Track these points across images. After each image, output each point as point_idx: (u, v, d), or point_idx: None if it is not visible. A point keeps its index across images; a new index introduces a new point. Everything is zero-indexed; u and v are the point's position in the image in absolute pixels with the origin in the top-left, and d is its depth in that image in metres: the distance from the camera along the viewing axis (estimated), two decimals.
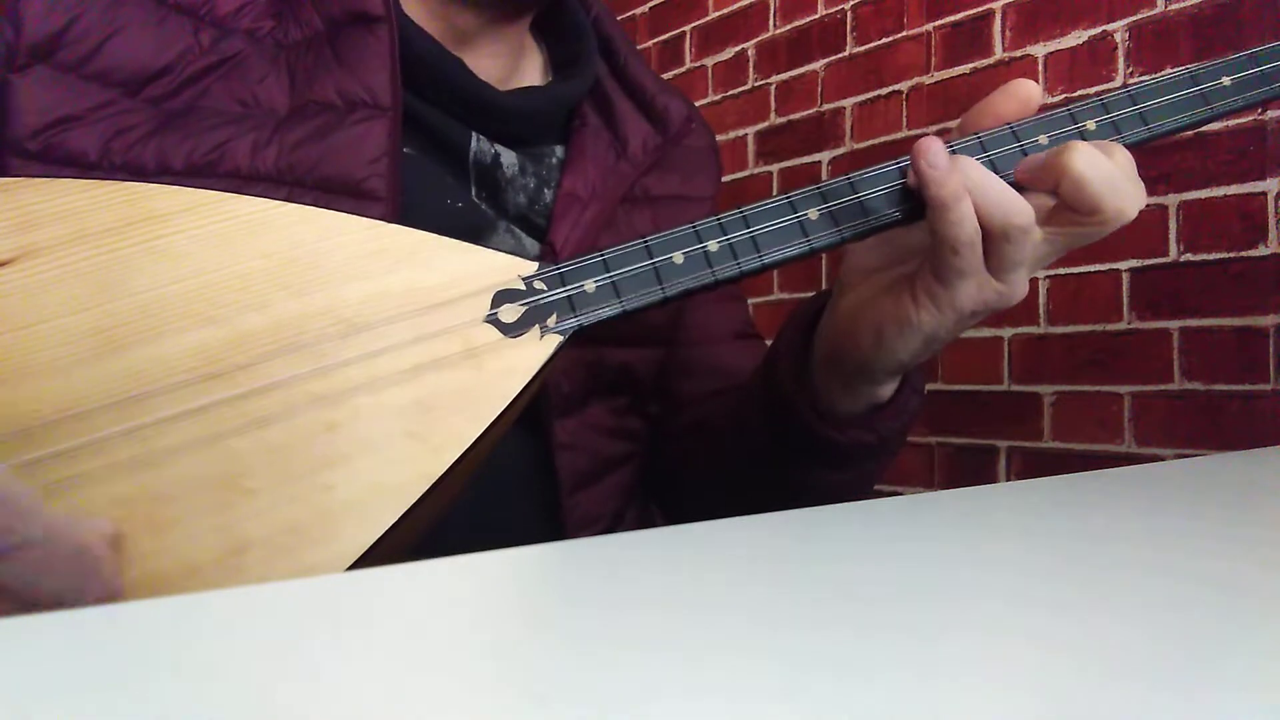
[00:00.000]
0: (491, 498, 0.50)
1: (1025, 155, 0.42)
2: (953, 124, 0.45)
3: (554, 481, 0.52)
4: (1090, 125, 0.43)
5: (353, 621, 0.19)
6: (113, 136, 0.43)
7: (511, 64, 0.57)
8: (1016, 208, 0.39)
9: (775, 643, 0.17)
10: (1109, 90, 0.43)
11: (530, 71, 0.59)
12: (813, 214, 0.41)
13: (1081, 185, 0.39)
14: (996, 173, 0.41)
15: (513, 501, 0.52)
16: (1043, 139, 0.42)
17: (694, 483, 0.62)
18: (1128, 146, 0.42)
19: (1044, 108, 0.44)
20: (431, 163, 0.52)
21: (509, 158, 0.54)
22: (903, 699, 0.14)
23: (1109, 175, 0.39)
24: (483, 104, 0.52)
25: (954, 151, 0.41)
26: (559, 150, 0.57)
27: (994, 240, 0.40)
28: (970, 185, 0.39)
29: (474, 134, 0.53)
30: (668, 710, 0.13)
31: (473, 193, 0.53)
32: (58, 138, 0.43)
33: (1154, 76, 0.44)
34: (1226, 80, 0.44)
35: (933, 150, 0.39)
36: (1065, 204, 0.40)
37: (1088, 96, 0.47)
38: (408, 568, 0.23)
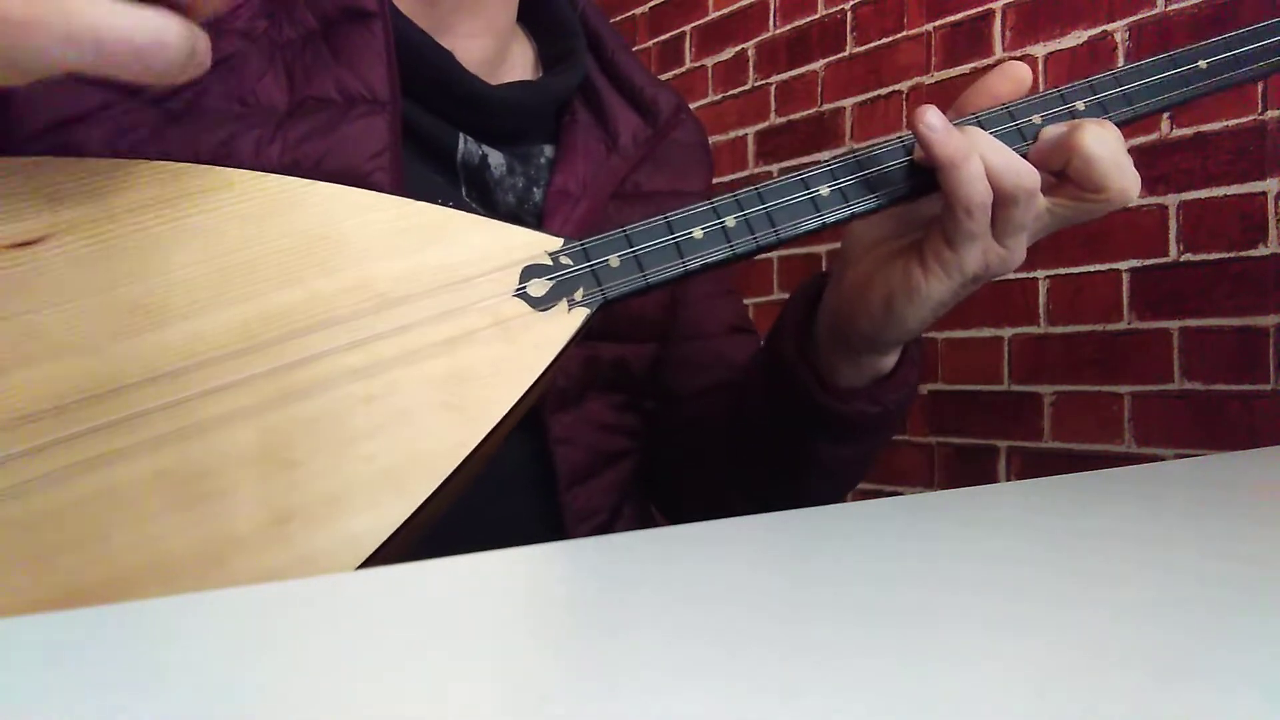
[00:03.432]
0: (490, 492, 0.50)
1: (1021, 133, 0.44)
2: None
3: (552, 476, 0.52)
4: (1079, 105, 0.45)
5: (354, 621, 0.19)
6: (117, 136, 0.44)
7: (497, 49, 0.57)
8: (1025, 171, 0.41)
9: (775, 643, 0.17)
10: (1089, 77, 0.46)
11: (519, 66, 0.60)
12: (824, 190, 0.43)
13: (1091, 164, 0.41)
14: None
15: (511, 496, 0.52)
16: (1036, 118, 0.44)
17: (693, 478, 0.62)
18: (1117, 125, 0.45)
19: None
20: (422, 164, 0.52)
21: (496, 158, 0.54)
22: (903, 698, 0.14)
23: (1116, 155, 0.42)
24: (473, 98, 0.53)
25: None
26: (548, 150, 0.57)
27: (1002, 204, 0.42)
28: (980, 149, 0.41)
29: (461, 135, 0.53)
30: (668, 710, 0.13)
31: (463, 193, 0.53)
32: (62, 138, 0.43)
33: (1139, 62, 0.47)
34: (1203, 64, 0.46)
35: (928, 113, 0.41)
36: (1073, 181, 0.42)
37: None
38: (408, 568, 0.23)
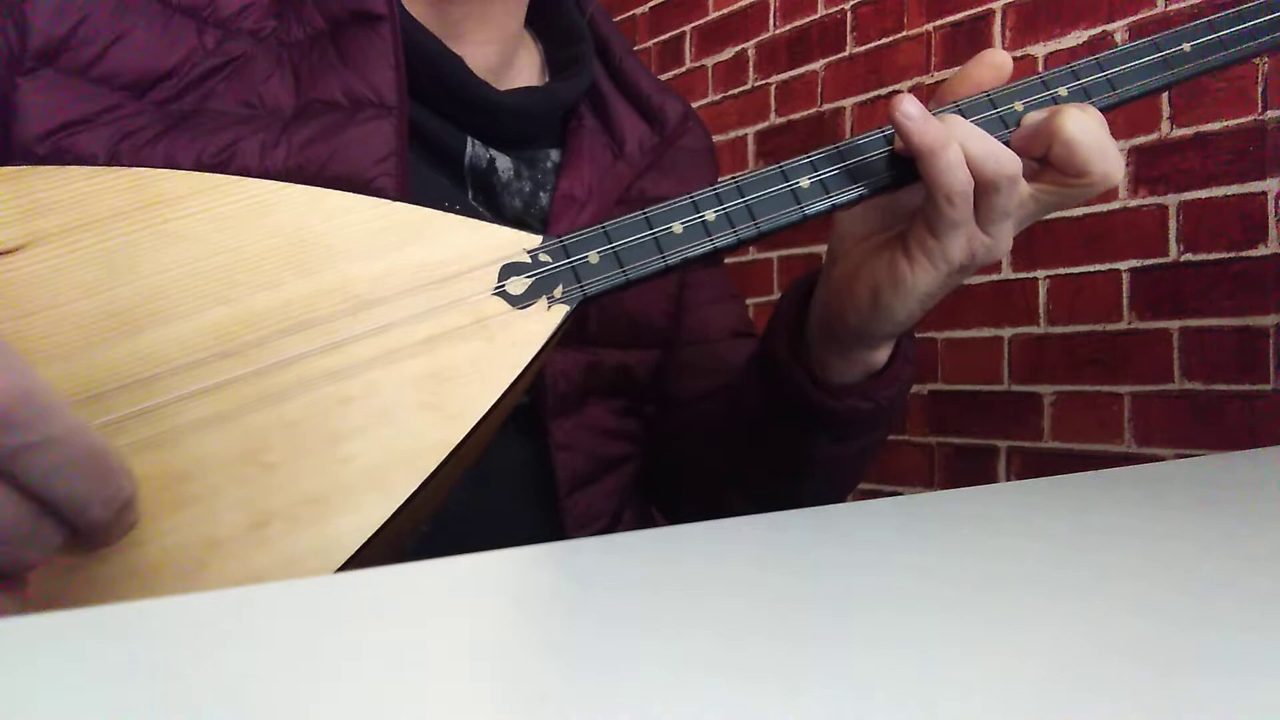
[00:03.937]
0: (490, 498, 0.50)
1: (1002, 120, 0.44)
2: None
3: (552, 482, 0.52)
4: (1062, 91, 0.45)
5: (352, 621, 0.19)
6: (120, 139, 0.43)
7: (505, 55, 0.57)
8: (1006, 157, 0.41)
9: (775, 643, 0.17)
10: (1072, 64, 0.46)
11: (527, 71, 0.59)
12: (804, 182, 0.43)
13: (1073, 149, 0.41)
14: None
15: (511, 502, 0.52)
16: (1018, 105, 0.44)
17: (693, 481, 0.62)
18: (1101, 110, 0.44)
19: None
20: (428, 167, 0.52)
21: (504, 162, 0.54)
22: (902, 699, 0.14)
23: (1099, 139, 0.42)
24: (481, 103, 0.52)
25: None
26: (554, 154, 0.57)
27: (984, 191, 0.41)
28: (959, 137, 0.41)
29: (469, 139, 0.53)
30: (667, 710, 0.13)
31: (469, 196, 0.53)
32: (66, 141, 0.43)
33: (1121, 46, 0.46)
34: (1186, 46, 0.46)
35: (905, 101, 0.41)
36: (1056, 166, 0.42)
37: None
38: (407, 568, 0.23)
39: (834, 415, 0.50)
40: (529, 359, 0.37)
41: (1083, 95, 0.45)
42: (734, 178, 0.43)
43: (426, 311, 0.37)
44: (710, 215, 0.42)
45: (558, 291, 0.39)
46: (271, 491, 0.33)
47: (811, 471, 0.55)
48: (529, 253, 0.39)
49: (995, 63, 0.45)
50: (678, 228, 0.41)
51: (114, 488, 0.29)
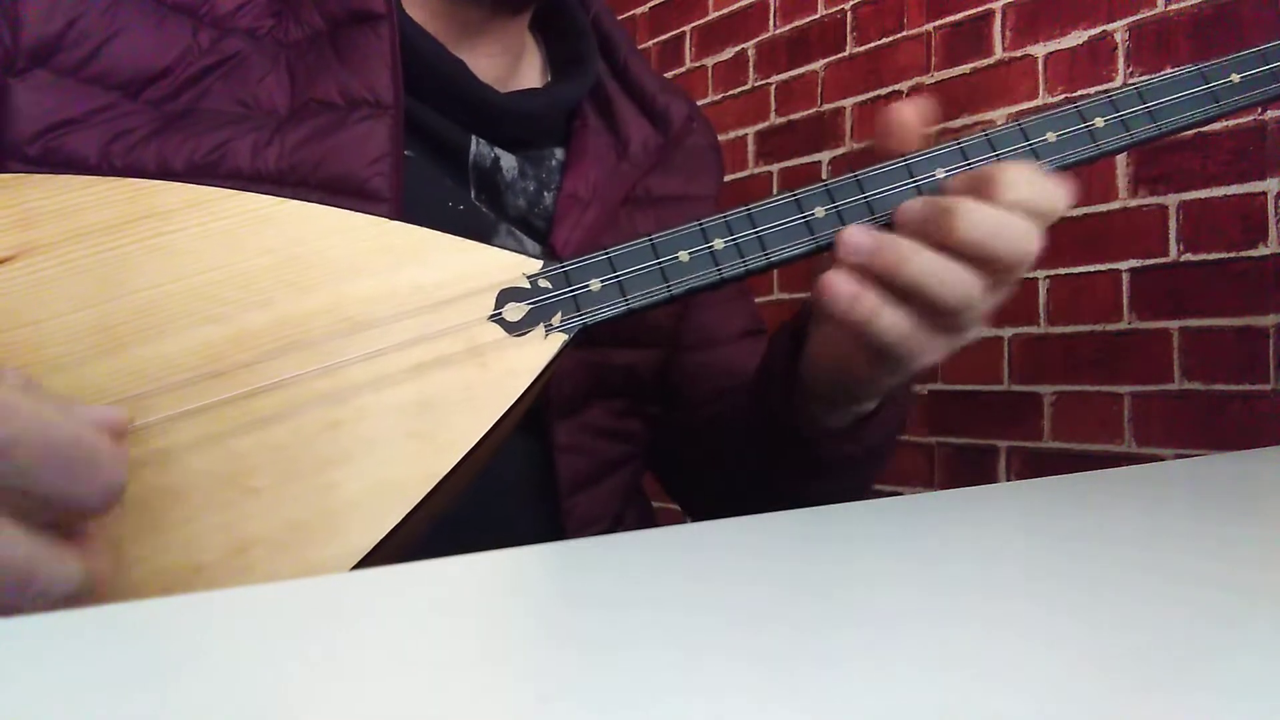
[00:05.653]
0: (491, 500, 0.50)
1: (1035, 153, 0.42)
2: (954, 124, 0.45)
3: (554, 484, 0.52)
4: (1099, 123, 0.42)
5: (353, 621, 0.19)
6: (112, 139, 0.43)
7: (511, 64, 0.57)
8: (955, 282, 0.38)
9: (775, 643, 0.17)
10: (1109, 90, 0.43)
11: (529, 72, 0.59)
12: (819, 212, 0.41)
13: (977, 248, 0.38)
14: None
15: (512, 504, 0.52)
16: (1051, 136, 0.42)
17: (712, 478, 0.62)
18: (1137, 144, 0.43)
19: (1044, 108, 0.44)
20: (431, 166, 0.51)
21: (508, 161, 0.54)
22: (903, 699, 0.14)
23: (997, 226, 0.38)
24: (483, 106, 0.52)
25: (963, 149, 0.41)
26: (559, 153, 0.57)
27: (937, 315, 0.39)
28: (898, 276, 0.38)
29: (473, 137, 0.53)
30: (668, 710, 0.13)
31: (472, 195, 0.53)
32: (57, 141, 0.42)
33: (1162, 74, 0.44)
34: (1235, 77, 0.44)
35: (835, 283, 0.39)
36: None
37: (1088, 96, 0.46)
38: (408, 568, 0.23)
39: (821, 460, 0.50)
40: (523, 389, 0.36)
41: (1120, 127, 0.42)
42: (746, 207, 0.41)
43: (420, 336, 0.36)
44: (719, 244, 0.40)
45: (556, 319, 0.38)
46: (255, 517, 0.32)
47: (808, 498, 0.54)
48: (529, 278, 0.38)
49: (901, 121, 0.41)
50: (684, 256, 0.40)
51: (103, 478, 0.26)
